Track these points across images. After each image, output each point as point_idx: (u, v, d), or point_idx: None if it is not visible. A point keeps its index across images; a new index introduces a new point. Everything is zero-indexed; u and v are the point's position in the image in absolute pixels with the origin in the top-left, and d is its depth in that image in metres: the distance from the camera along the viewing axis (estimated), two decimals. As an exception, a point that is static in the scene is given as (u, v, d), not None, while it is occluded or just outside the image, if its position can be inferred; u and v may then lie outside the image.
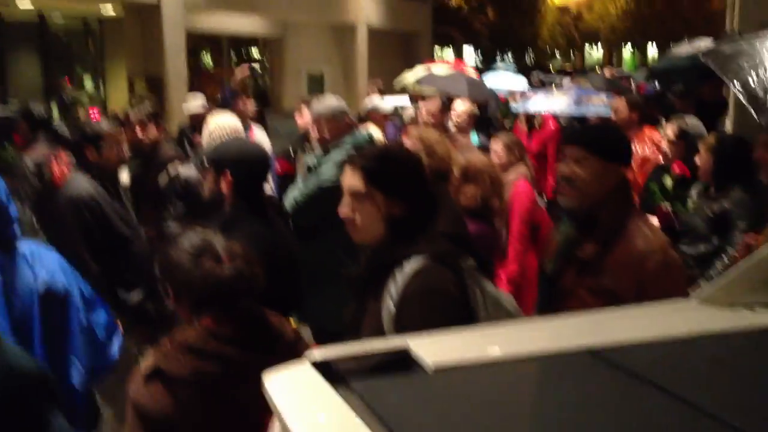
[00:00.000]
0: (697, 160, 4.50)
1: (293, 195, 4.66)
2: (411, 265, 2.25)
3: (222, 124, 4.67)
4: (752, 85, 2.85)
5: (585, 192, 2.68)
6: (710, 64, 3.12)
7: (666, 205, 4.72)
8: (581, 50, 44.72)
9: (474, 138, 6.46)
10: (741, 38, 3.17)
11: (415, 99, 8.41)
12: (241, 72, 7.59)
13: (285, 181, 6.40)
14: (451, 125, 6.48)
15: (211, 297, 2.11)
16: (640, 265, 2.58)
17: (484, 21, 34.19)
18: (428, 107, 5.60)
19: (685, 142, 4.94)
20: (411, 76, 9.83)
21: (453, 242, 2.36)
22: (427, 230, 2.33)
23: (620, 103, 6.30)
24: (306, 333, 5.11)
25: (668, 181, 4.79)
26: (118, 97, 14.77)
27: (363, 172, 2.35)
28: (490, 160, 4.33)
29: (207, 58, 25.19)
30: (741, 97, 2.84)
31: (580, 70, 26.28)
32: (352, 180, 2.38)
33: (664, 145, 5.07)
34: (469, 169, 3.97)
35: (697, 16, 32.80)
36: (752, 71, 2.88)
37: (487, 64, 35.97)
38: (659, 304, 2.41)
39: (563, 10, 41.58)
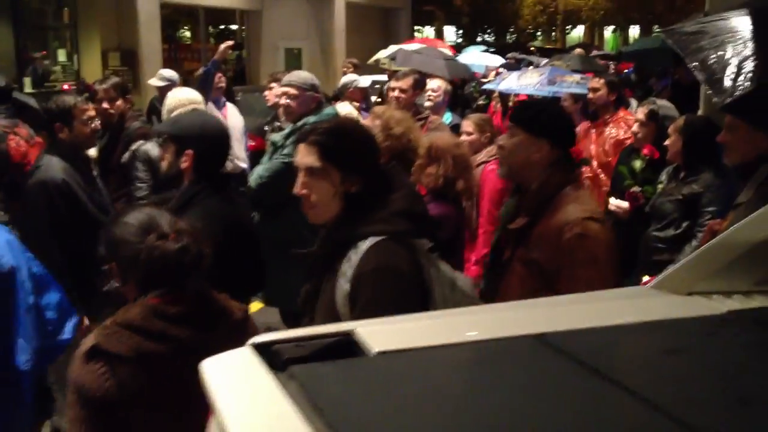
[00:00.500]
0: (667, 142, 4.49)
1: (258, 172, 4.62)
2: (365, 244, 2.25)
3: (182, 98, 4.60)
4: (711, 65, 2.83)
5: (510, 162, 2.90)
6: (671, 44, 3.10)
7: (635, 188, 4.72)
8: (562, 30, 44.74)
9: (447, 117, 6.42)
10: (704, 18, 3.14)
11: (391, 77, 8.35)
12: (225, 48, 7.41)
13: (257, 157, 6.34)
14: (426, 103, 6.47)
15: (157, 274, 2.06)
16: (558, 235, 2.70)
17: (467, -1, 34.02)
18: (399, 85, 5.54)
19: (655, 124, 4.93)
20: (385, 53, 9.76)
21: (409, 221, 2.34)
22: (382, 209, 2.32)
23: (599, 83, 6.27)
24: (275, 315, 5.10)
25: (637, 164, 4.79)
26: (92, 69, 14.54)
27: (318, 148, 2.34)
28: (456, 140, 4.28)
29: (184, 31, 24.91)
30: (699, 76, 2.82)
31: (560, 50, 26.27)
32: (306, 157, 2.36)
33: (635, 127, 5.07)
34: (431, 149, 3.94)
35: (676, -2, 32.94)
36: (712, 51, 2.86)
37: (468, 43, 36.04)
38: (615, 291, 2.40)
39: (544, -12, 41.52)
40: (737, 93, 2.73)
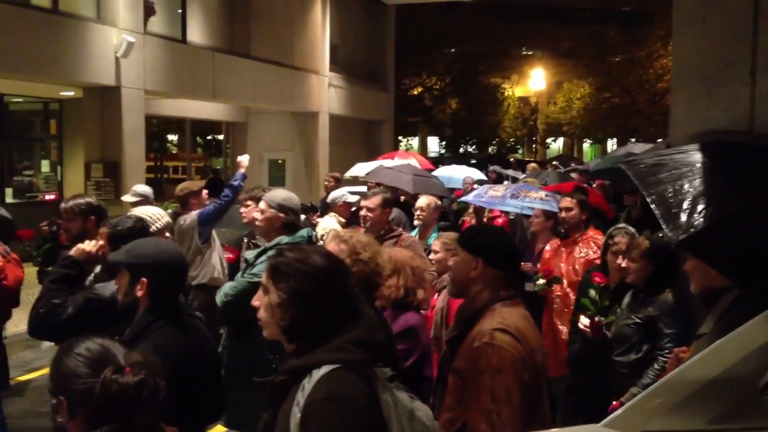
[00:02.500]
0: (628, 265, 4.50)
1: (224, 289, 4.57)
2: (319, 372, 2.22)
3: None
4: (667, 199, 2.86)
5: (452, 278, 3.20)
6: (629, 174, 3.14)
7: (600, 319, 4.69)
8: (543, 142, 45.86)
9: (435, 234, 6.42)
10: (664, 150, 3.20)
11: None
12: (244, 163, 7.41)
13: (235, 270, 6.30)
14: (415, 222, 6.51)
15: (111, 409, 1.98)
16: (471, 344, 2.90)
17: (448, 111, 34.91)
18: (366, 204, 5.57)
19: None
20: (361, 168, 9.93)
21: (366, 350, 2.32)
22: (338, 336, 2.30)
23: (571, 203, 6.30)
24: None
25: (592, 293, 4.79)
26: (75, 181, 14.64)
27: (269, 267, 2.40)
28: (412, 253, 4.35)
29: (171, 141, 25.30)
30: (655, 210, 2.85)
31: (541, 162, 26.85)
32: (264, 273, 2.43)
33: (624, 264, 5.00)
34: (390, 261, 3.98)
35: (653, 111, 33.89)
36: (669, 185, 2.90)
37: (451, 154, 36.78)
38: (565, 430, 2.36)
39: (524, 101, 42.81)
40: (691, 230, 2.75)
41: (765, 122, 4.86)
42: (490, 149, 40.43)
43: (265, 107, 18.66)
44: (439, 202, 6.72)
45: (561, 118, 41.56)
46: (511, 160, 26.89)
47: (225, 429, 5.21)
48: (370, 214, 5.55)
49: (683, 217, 2.82)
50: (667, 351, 4.13)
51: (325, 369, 2.23)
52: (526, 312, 3.10)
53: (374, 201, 5.57)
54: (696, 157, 3.04)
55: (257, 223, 4.65)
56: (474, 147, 40.34)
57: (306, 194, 16.26)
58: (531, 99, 44.11)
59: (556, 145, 49.08)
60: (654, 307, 4.31)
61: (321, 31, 19.77)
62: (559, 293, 6.00)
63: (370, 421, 2.23)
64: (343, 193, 7.44)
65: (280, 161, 19.80)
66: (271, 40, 17.99)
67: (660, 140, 4.27)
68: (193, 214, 6.92)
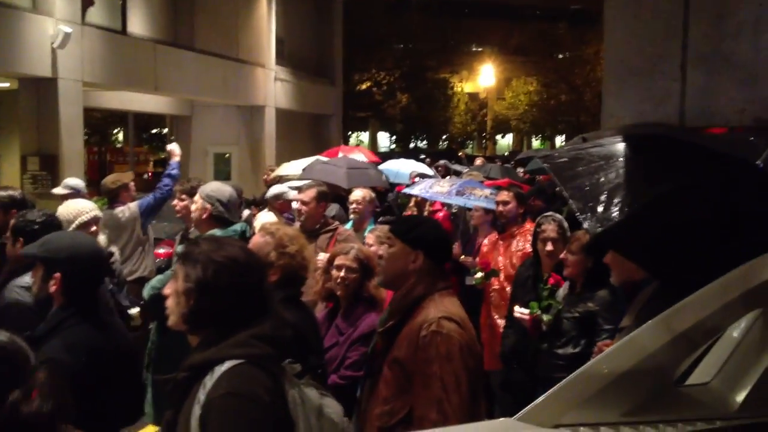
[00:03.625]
0: (566, 257, 4.50)
1: (152, 283, 4.47)
2: (222, 368, 2.16)
3: (71, 209, 4.44)
4: (584, 193, 2.84)
5: (387, 271, 3.10)
6: (547, 169, 3.13)
7: (539, 314, 4.68)
8: (492, 138, 46.21)
9: (371, 226, 6.38)
10: (581, 144, 3.19)
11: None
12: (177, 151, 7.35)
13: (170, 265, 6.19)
14: (351, 216, 6.45)
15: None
16: (416, 334, 2.86)
17: (398, 106, 34.91)
18: (301, 197, 5.51)
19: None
20: (294, 164, 9.85)
21: (271, 345, 2.26)
22: (243, 331, 2.24)
23: (508, 196, 6.32)
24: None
25: (543, 293, 4.77)
26: (11, 174, 14.22)
27: (181, 253, 2.35)
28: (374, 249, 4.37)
29: (115, 135, 24.80)
30: (573, 204, 2.83)
31: (490, 157, 27.06)
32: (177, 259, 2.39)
33: (549, 247, 5.04)
34: (369, 260, 4.11)
35: (600, 109, 34.38)
36: (586, 179, 2.89)
37: (401, 149, 36.82)
38: (479, 424, 2.32)
39: (474, 97, 43.06)
40: (608, 223, 2.74)
41: (695, 117, 4.92)
42: (440, 144, 40.57)
43: (210, 100, 18.41)
44: (373, 195, 6.66)
45: (510, 114, 41.92)
46: (461, 155, 27.01)
47: (156, 428, 5.08)
48: (304, 208, 5.49)
49: (600, 210, 2.82)
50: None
51: (227, 364, 2.16)
52: (457, 300, 3.12)
53: (309, 194, 5.50)
54: (612, 150, 3.04)
55: (192, 215, 4.57)
56: (425, 142, 40.44)
57: (252, 189, 16.05)
58: (480, 95, 44.40)
59: (506, 141, 49.49)
60: (593, 302, 4.30)
61: (267, 24, 19.55)
62: (496, 287, 6.01)
63: (274, 417, 2.17)
64: (284, 190, 7.36)
65: (225, 155, 19.55)
66: (215, 33, 17.73)
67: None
68: (132, 206, 6.78)
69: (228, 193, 4.50)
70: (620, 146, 3.07)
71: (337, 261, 4.05)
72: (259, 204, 10.31)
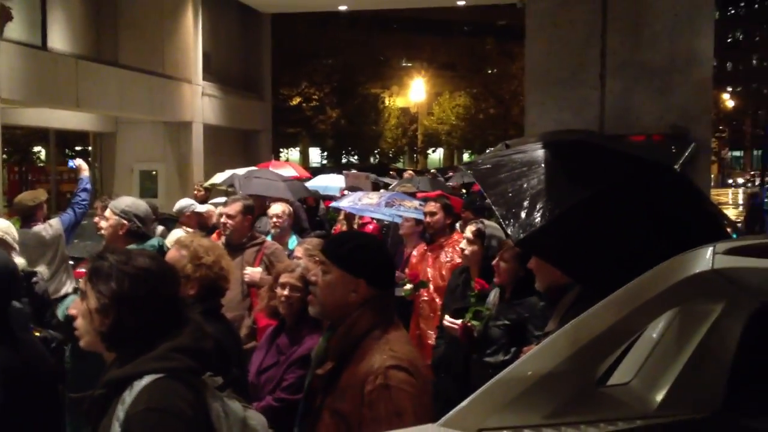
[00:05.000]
0: (497, 264, 4.51)
1: (65, 303, 4.34)
2: (141, 383, 2.07)
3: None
4: (507, 199, 2.84)
5: (321, 300, 2.64)
6: (472, 176, 3.12)
7: (472, 323, 4.67)
8: (423, 152, 46.60)
9: (293, 240, 6.33)
10: (504, 151, 3.19)
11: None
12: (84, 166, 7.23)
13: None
14: (272, 230, 6.36)
15: None
16: (361, 386, 2.49)
17: (329, 121, 34.89)
18: (227, 211, 5.40)
19: (481, 243, 5.00)
20: (220, 177, 9.75)
21: (192, 358, 2.18)
22: (161, 345, 2.16)
23: (435, 207, 6.35)
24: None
25: (471, 299, 4.78)
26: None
27: (88, 270, 2.22)
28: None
29: (37, 153, 24.06)
30: (496, 210, 2.83)
31: (420, 172, 27.26)
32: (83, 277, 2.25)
33: (463, 244, 5.13)
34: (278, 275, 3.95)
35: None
36: (509, 185, 2.88)
37: (333, 164, 36.78)
38: (403, 430, 2.28)
39: (404, 112, 43.38)
40: (530, 229, 2.75)
41: (614, 124, 5.04)
42: (372, 159, 40.66)
43: (135, 117, 18.02)
44: (291, 209, 6.62)
45: (440, 128, 42.37)
46: (391, 171, 27.12)
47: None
48: (230, 221, 5.38)
49: (523, 216, 2.82)
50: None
51: (147, 379, 2.08)
52: (405, 331, 2.80)
53: (235, 207, 5.40)
54: (534, 156, 3.04)
55: (102, 231, 4.44)
56: (356, 157, 40.48)
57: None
58: (411, 110, 44.76)
59: (437, 155, 49.96)
60: (523, 308, 4.31)
61: (193, 38, 19.28)
62: (425, 298, 6.01)
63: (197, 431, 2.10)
64: (189, 203, 7.25)
65: (152, 173, 19.15)
66: (140, 48, 17.42)
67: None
68: (54, 223, 6.59)
69: (143, 208, 4.42)
70: (542, 152, 3.08)
71: (282, 279, 3.87)
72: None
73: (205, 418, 2.14)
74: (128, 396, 2.06)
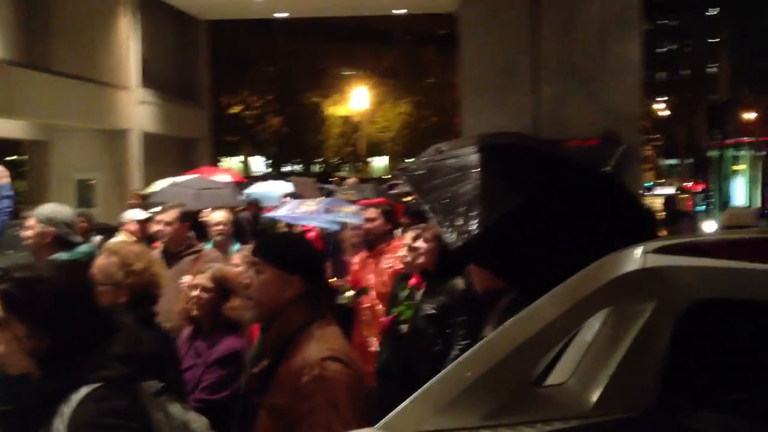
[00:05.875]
0: (420, 246, 4.50)
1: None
2: (79, 394, 2.02)
3: None
4: (443, 206, 2.84)
5: (259, 302, 2.66)
6: (406, 182, 3.12)
7: (397, 312, 4.66)
8: (366, 161, 46.64)
9: (235, 247, 6.24)
10: (437, 156, 3.20)
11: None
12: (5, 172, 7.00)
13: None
14: (216, 238, 6.27)
15: None
16: (297, 379, 2.53)
17: (270, 130, 34.67)
18: (163, 218, 5.32)
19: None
20: (160, 185, 9.65)
21: (129, 365, 2.14)
22: (96, 354, 2.11)
23: (375, 213, 6.33)
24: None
25: (404, 292, 4.79)
26: None
27: (2, 297, 2.09)
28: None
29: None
30: (433, 217, 2.83)
31: (364, 180, 27.27)
32: None
33: (404, 251, 5.11)
34: (227, 281, 3.95)
35: (468, 130, 35.36)
36: (444, 191, 2.88)
37: (276, 173, 36.54)
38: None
39: (347, 120, 43.37)
40: (467, 236, 2.76)
41: (548, 129, 5.12)
42: (316, 167, 40.54)
43: (69, 124, 17.58)
44: (232, 216, 6.56)
45: (382, 137, 42.47)
46: (334, 178, 27.06)
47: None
48: (167, 228, 5.30)
49: (459, 223, 2.82)
50: (460, 338, 4.14)
51: (84, 390, 2.03)
52: (337, 326, 2.83)
53: (171, 215, 5.33)
54: (468, 161, 3.04)
55: (29, 241, 4.32)
56: (300, 165, 40.31)
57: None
58: (354, 118, 44.78)
59: (380, 163, 50.06)
60: (444, 295, 4.31)
61: (129, 44, 18.93)
62: (367, 305, 5.99)
63: None
64: (132, 212, 7.15)
65: (89, 182, 18.72)
66: (74, 54, 17.01)
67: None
68: None
69: (69, 214, 4.33)
70: (475, 157, 3.08)
71: (194, 281, 3.93)
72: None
73: (147, 426, 2.13)
74: (66, 408, 2.02)
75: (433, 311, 4.32)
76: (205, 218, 6.59)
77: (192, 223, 7.37)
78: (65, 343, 2.09)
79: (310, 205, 7.36)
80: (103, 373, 2.07)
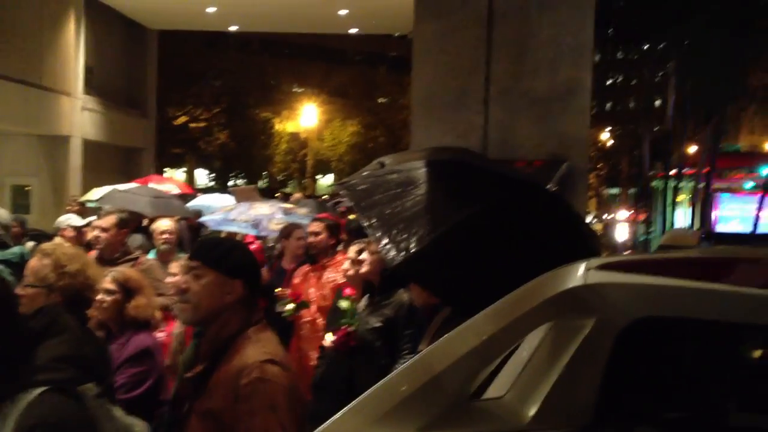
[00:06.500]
0: (365, 256, 4.48)
1: None
2: (25, 398, 1.99)
3: None
4: (383, 222, 2.81)
5: (199, 306, 2.62)
6: (345, 197, 3.07)
7: (348, 326, 4.61)
8: (312, 177, 46.49)
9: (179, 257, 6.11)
10: (378, 171, 3.16)
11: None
12: None
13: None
14: (162, 246, 6.12)
15: None
16: (235, 381, 2.49)
17: (216, 143, 34.32)
18: (100, 224, 5.18)
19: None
20: (95, 193, 9.46)
21: (75, 367, 2.14)
22: (40, 357, 2.10)
23: (320, 227, 6.29)
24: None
25: (345, 304, 4.74)
26: None
27: None
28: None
29: None
30: (371, 233, 2.80)
31: (309, 197, 27.15)
32: None
33: (346, 264, 5.07)
34: (129, 282, 3.92)
35: (415, 151, 35.56)
36: (384, 207, 2.85)
37: (219, 186, 36.12)
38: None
39: (295, 137, 43.23)
40: (406, 254, 2.74)
41: (497, 150, 5.15)
42: (260, 183, 40.20)
43: (7, 128, 17.09)
44: (178, 225, 6.43)
45: (329, 154, 42.43)
46: (278, 195, 26.87)
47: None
48: (104, 235, 5.16)
49: (398, 240, 2.80)
50: (406, 352, 4.10)
51: (33, 392, 2.01)
52: (272, 332, 2.79)
53: (109, 221, 5.19)
54: (410, 177, 3.03)
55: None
56: (244, 180, 39.91)
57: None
58: (301, 135, 44.63)
59: (326, 180, 49.98)
60: (390, 308, 4.28)
61: (74, 51, 18.53)
62: (307, 318, 5.91)
63: None
64: (68, 217, 6.96)
65: (25, 188, 18.21)
66: (16, 57, 16.53)
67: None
68: None
69: (6, 216, 4.22)
70: (418, 173, 3.07)
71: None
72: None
73: (93, 428, 2.14)
74: (13, 410, 1.98)
75: (380, 324, 4.27)
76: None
77: (139, 228, 7.23)
78: (7, 346, 2.04)
79: (262, 208, 7.26)
80: (51, 375, 2.06)
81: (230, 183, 38.38)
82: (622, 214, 27.88)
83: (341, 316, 4.87)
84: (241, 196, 8.68)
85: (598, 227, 20.24)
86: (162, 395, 3.78)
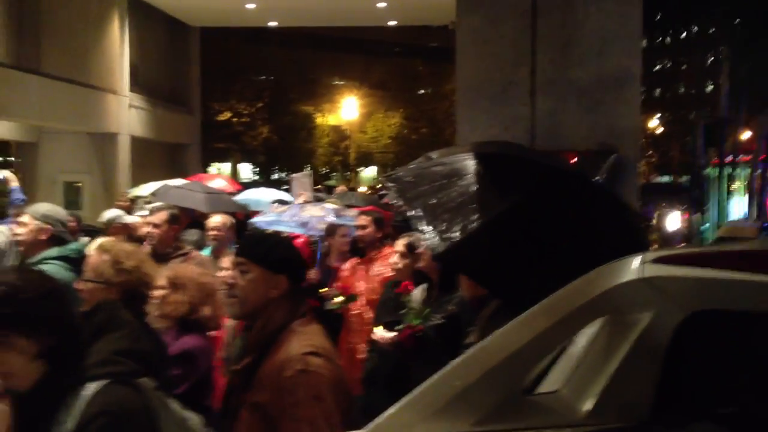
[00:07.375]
0: (424, 251, 4.48)
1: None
2: (88, 389, 2.06)
3: None
4: (426, 212, 2.83)
5: (246, 301, 2.70)
6: (392, 189, 3.07)
7: (418, 323, 4.58)
8: (355, 170, 46.64)
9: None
10: (425, 163, 3.17)
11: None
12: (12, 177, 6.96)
13: None
14: (211, 242, 6.20)
15: None
16: (279, 374, 2.56)
17: (260, 137, 34.63)
18: (152, 220, 5.28)
19: (412, 255, 4.97)
20: (145, 188, 9.60)
21: (134, 361, 2.21)
22: (102, 349, 2.18)
23: (366, 221, 6.32)
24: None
25: (414, 303, 4.69)
26: None
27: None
28: (201, 270, 4.17)
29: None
30: (417, 224, 2.81)
31: (352, 189, 27.25)
32: None
33: (395, 258, 5.10)
34: (175, 278, 3.87)
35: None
36: (429, 198, 2.87)
37: (264, 180, 36.47)
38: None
39: (336, 130, 43.40)
40: (449, 243, 2.75)
41: (544, 141, 5.11)
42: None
43: (58, 127, 17.47)
44: (233, 221, 6.49)
45: (372, 147, 42.50)
46: (319, 187, 27.00)
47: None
48: (155, 230, 5.26)
49: (442, 230, 2.81)
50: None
51: (94, 385, 2.07)
52: (318, 324, 2.86)
53: (160, 216, 5.29)
54: (455, 168, 3.03)
55: (20, 237, 4.31)
56: (288, 174, 40.22)
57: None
58: (343, 128, 44.77)
59: (369, 173, 50.07)
60: (453, 303, 4.26)
61: (119, 49, 18.85)
62: (356, 311, 5.96)
63: None
64: (118, 213, 7.08)
65: (76, 184, 18.60)
66: (64, 57, 16.89)
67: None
68: (3, 228, 6.31)
69: (63, 213, 4.38)
70: (462, 164, 3.07)
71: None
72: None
73: (153, 420, 2.18)
74: (75, 401, 2.03)
75: (442, 321, 4.26)
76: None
77: (195, 224, 7.31)
78: (69, 337, 2.09)
79: (314, 210, 7.28)
80: (112, 367, 2.12)
81: (274, 176, 38.70)
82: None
83: (404, 312, 4.83)
84: (298, 182, 8.70)
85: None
86: (205, 401, 3.68)
